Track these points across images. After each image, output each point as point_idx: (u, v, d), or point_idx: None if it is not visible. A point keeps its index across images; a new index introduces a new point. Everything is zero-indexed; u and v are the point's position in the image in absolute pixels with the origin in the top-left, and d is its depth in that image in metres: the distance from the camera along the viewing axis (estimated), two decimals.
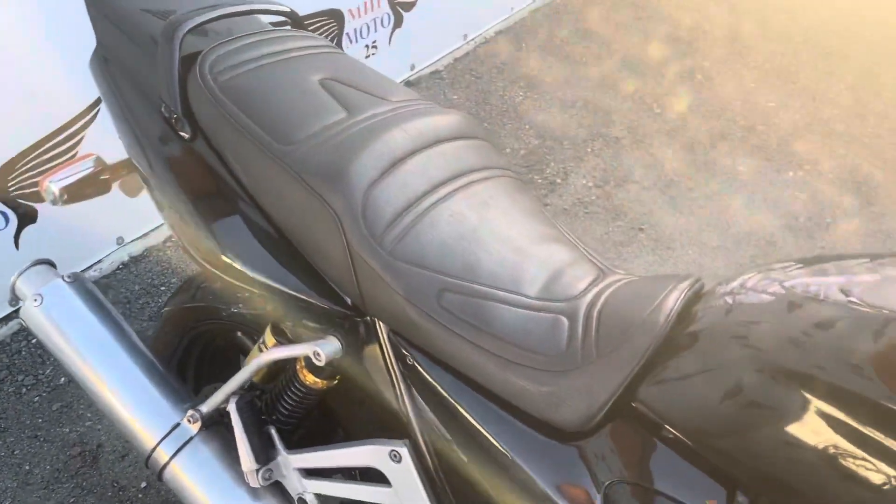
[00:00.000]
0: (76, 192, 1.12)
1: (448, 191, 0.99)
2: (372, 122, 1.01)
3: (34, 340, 2.03)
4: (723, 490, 0.78)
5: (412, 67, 3.05)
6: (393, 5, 2.79)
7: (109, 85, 1.12)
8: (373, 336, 0.98)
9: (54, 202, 1.10)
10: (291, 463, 1.06)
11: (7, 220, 1.97)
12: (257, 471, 1.04)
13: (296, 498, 1.07)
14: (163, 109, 1.05)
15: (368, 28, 2.75)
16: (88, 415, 1.86)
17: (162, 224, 2.36)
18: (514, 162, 2.62)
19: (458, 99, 2.97)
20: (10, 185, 1.94)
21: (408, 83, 3.04)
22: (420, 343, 0.93)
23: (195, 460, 1.08)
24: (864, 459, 0.64)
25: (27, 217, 2.01)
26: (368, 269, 0.91)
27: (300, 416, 1.08)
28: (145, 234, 2.31)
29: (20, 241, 2.02)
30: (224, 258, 1.00)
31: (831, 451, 0.66)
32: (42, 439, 1.81)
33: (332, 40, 2.64)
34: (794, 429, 0.69)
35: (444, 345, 0.90)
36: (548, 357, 0.87)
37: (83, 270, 2.17)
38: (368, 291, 0.93)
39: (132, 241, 2.25)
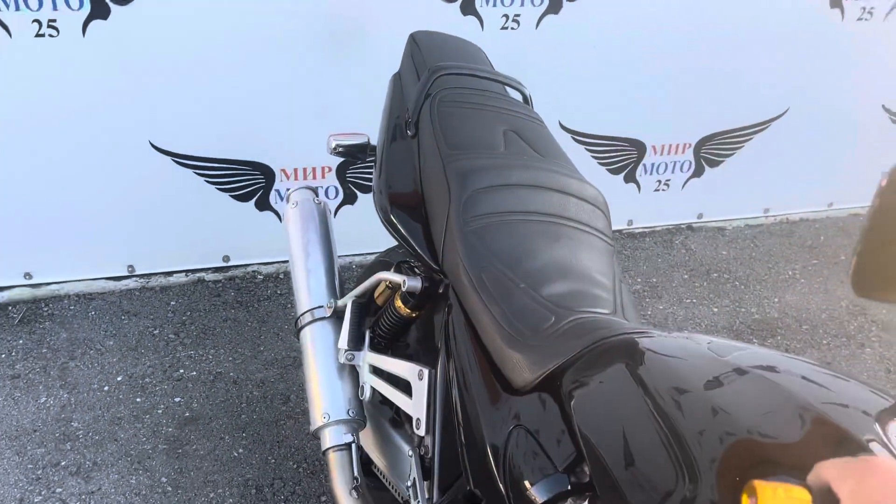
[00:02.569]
0: (344, 152, 1.73)
1: (534, 219, 1.37)
2: (513, 160, 1.44)
3: None
4: (574, 455, 1.02)
5: (699, 216, 3.32)
6: (698, 156, 3.13)
7: (393, 92, 1.72)
8: (443, 288, 1.39)
9: (330, 152, 1.72)
10: (367, 359, 1.50)
11: (337, 193, 2.77)
12: (345, 351, 1.51)
13: (361, 384, 1.51)
14: (407, 114, 1.61)
15: (666, 167, 3.12)
16: None
17: None
18: (744, 321, 2.73)
19: (726, 254, 3.15)
20: (347, 173, 2.73)
21: (689, 227, 3.32)
22: (461, 298, 1.31)
23: (319, 332, 1.58)
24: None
25: (349, 197, 2.79)
26: (452, 237, 1.33)
27: (391, 333, 1.51)
28: None
29: (339, 213, 2.81)
30: (387, 203, 1.50)
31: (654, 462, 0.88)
32: (281, 339, 2.49)
33: (626, 166, 3.07)
34: (639, 439, 0.92)
35: (472, 304, 1.27)
36: (526, 335, 1.19)
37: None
38: (447, 254, 1.35)
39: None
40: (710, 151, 3.14)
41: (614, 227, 3.16)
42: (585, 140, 2.95)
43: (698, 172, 3.19)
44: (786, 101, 3.11)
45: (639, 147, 3.03)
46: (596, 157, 3.02)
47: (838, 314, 2.84)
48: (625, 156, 3.04)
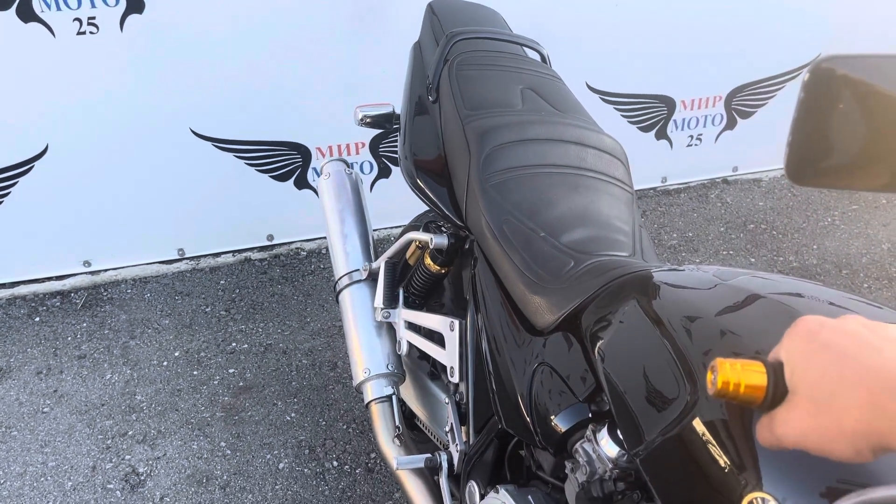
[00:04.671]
0: (371, 123, 1.80)
1: (553, 171, 1.42)
2: (531, 116, 1.49)
3: None
4: (594, 386, 1.08)
5: (735, 169, 3.31)
6: (729, 108, 3.11)
7: (414, 60, 1.78)
8: (469, 244, 1.46)
9: (358, 123, 1.80)
10: (403, 316, 1.58)
11: (372, 168, 2.85)
12: (381, 310, 1.59)
13: (398, 340, 1.59)
14: (427, 80, 1.67)
15: (697, 121, 3.11)
16: None
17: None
18: (782, 270, 2.73)
19: (763, 205, 3.14)
20: (380, 147, 2.81)
21: (724, 181, 3.31)
22: (485, 250, 1.38)
23: (356, 294, 1.67)
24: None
25: (384, 171, 2.87)
26: (473, 193, 1.39)
27: (423, 290, 1.59)
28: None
29: (374, 187, 2.89)
30: (413, 167, 1.57)
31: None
32: (326, 310, 2.60)
33: (656, 123, 3.07)
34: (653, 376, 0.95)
35: (495, 255, 1.33)
36: (547, 280, 1.25)
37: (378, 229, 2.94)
38: (469, 209, 1.41)
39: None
40: (741, 103, 3.12)
41: (648, 185, 3.21)
42: (613, 99, 2.96)
43: (731, 125, 3.17)
44: (816, 47, 3.06)
45: (668, 103, 3.03)
46: (625, 116, 3.03)
47: (879, 257, 2.81)
48: (654, 113, 3.05)
